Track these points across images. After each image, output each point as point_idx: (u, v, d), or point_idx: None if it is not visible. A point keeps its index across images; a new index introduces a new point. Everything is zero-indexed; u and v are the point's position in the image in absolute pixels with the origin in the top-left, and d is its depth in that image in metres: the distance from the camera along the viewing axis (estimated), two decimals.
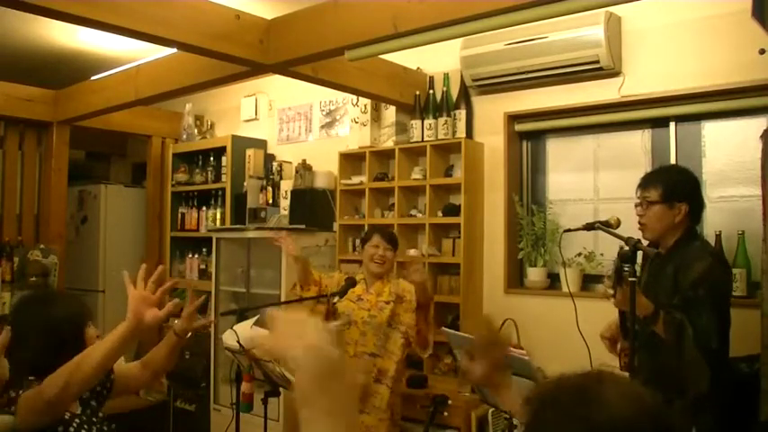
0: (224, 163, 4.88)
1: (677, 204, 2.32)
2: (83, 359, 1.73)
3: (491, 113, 3.80)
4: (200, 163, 5.14)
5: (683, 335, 2.10)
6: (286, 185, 4.53)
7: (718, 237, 3.02)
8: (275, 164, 4.71)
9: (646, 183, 2.41)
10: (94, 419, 1.93)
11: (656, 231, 2.36)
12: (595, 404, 0.88)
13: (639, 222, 2.39)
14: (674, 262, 2.30)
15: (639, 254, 2.17)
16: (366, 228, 4.07)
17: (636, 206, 2.43)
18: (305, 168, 4.41)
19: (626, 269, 2.02)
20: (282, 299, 3.81)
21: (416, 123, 3.93)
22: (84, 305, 2.03)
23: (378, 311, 3.03)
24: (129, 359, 2.33)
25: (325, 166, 4.42)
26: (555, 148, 3.78)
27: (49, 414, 1.75)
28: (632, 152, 3.46)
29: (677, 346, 2.10)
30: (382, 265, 3.08)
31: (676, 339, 2.10)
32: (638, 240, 2.09)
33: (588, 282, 3.50)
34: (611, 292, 2.11)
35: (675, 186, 2.35)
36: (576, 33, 3.27)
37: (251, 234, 4.30)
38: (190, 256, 5.14)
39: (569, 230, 2.60)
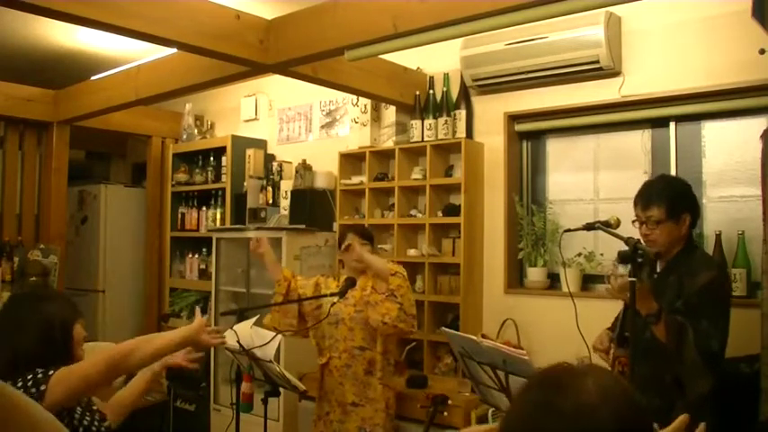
0: (224, 163, 4.89)
1: (682, 216, 2.35)
2: (133, 351, 1.86)
3: (491, 113, 3.80)
4: (200, 163, 5.14)
5: (685, 337, 2.11)
6: (286, 185, 4.53)
7: (719, 237, 3.02)
8: (275, 164, 4.71)
9: (647, 202, 2.37)
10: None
11: (665, 246, 2.36)
12: (566, 391, 0.88)
13: (647, 240, 2.35)
14: (678, 271, 2.32)
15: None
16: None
17: (634, 223, 2.40)
18: (305, 168, 4.41)
19: (641, 257, 2.02)
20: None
21: (416, 123, 3.93)
22: (74, 304, 2.07)
23: (363, 305, 3.02)
24: (121, 385, 2.42)
25: (325, 166, 4.42)
26: (555, 148, 3.78)
27: (82, 392, 1.86)
28: (632, 152, 3.46)
29: (678, 348, 2.11)
30: (362, 262, 3.06)
31: (677, 341, 2.11)
32: (638, 240, 2.09)
33: (588, 282, 3.50)
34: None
35: (678, 200, 2.36)
36: (576, 33, 3.26)
37: (251, 234, 4.28)
38: (190, 256, 5.14)
39: (569, 230, 2.60)
